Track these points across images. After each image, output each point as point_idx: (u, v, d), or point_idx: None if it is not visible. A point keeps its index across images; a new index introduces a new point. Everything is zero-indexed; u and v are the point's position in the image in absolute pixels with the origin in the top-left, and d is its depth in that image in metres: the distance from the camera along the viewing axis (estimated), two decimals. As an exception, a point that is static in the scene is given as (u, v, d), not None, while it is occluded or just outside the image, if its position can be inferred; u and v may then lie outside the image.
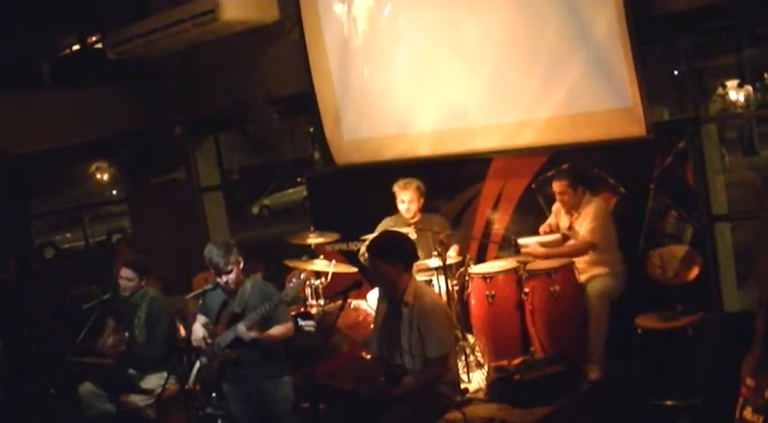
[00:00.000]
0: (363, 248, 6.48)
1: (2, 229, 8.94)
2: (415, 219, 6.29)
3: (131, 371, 5.55)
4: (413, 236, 5.76)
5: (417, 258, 4.99)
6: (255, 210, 23.24)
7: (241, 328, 4.74)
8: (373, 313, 6.17)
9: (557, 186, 5.87)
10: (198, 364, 5.16)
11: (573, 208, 5.86)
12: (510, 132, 6.43)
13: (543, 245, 5.87)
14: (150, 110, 9.33)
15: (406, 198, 6.29)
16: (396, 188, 6.34)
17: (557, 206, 6.06)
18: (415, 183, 6.32)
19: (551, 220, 6.11)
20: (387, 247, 4.68)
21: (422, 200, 6.32)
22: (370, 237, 6.40)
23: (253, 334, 4.76)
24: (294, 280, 5.09)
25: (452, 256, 6.04)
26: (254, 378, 4.92)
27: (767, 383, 3.54)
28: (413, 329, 4.48)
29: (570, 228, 5.86)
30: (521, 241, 5.88)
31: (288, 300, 4.90)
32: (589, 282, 5.72)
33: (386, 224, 6.39)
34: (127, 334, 5.57)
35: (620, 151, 6.01)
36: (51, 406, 6.23)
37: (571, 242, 5.83)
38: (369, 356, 5.38)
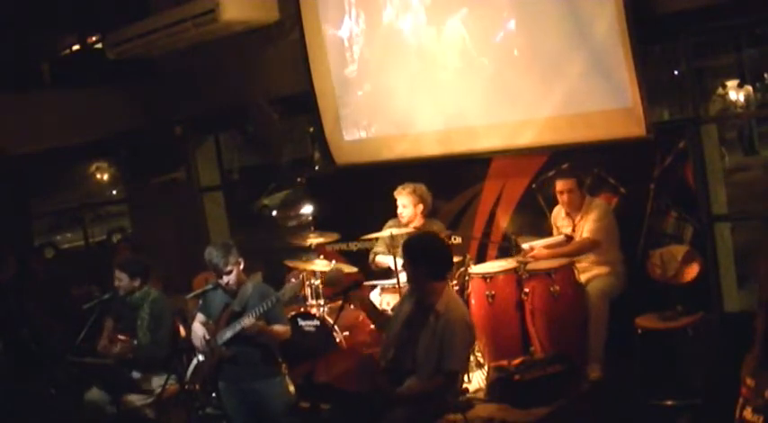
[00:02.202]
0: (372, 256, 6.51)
1: (2, 229, 8.94)
2: (415, 223, 6.27)
3: (135, 374, 5.51)
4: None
5: (451, 268, 4.78)
6: (255, 209, 23.20)
7: (248, 319, 4.75)
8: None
9: (562, 185, 5.84)
10: (195, 362, 5.17)
11: (576, 209, 5.86)
12: (510, 132, 6.43)
13: (547, 247, 5.87)
14: (150, 110, 9.33)
15: (400, 203, 6.29)
16: (395, 193, 6.34)
17: (556, 210, 6.05)
18: (408, 188, 6.26)
19: (554, 232, 6.08)
20: (414, 248, 4.52)
21: (420, 205, 6.26)
22: (372, 236, 6.43)
23: (260, 323, 4.76)
24: (293, 280, 5.07)
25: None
26: (248, 377, 4.93)
27: (767, 383, 3.54)
28: (434, 339, 4.37)
29: (573, 231, 5.86)
30: (524, 245, 5.87)
31: (285, 299, 4.90)
32: (590, 281, 5.73)
33: (389, 226, 6.39)
34: (135, 341, 5.55)
35: (620, 151, 6.01)
36: (51, 406, 6.23)
37: (576, 240, 5.84)
38: (368, 353, 5.37)
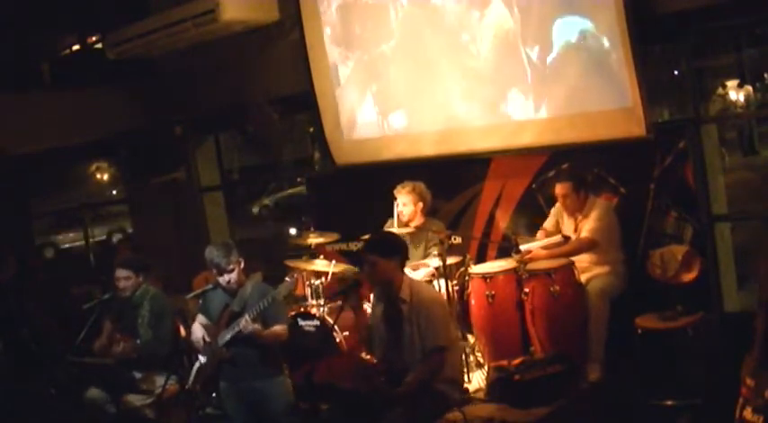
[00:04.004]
0: None
1: (2, 229, 8.93)
2: (414, 222, 6.27)
3: (136, 374, 5.50)
4: (406, 238, 5.80)
5: (408, 257, 5.06)
6: (255, 210, 23.19)
7: (245, 320, 4.74)
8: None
9: (560, 188, 5.86)
10: (197, 364, 5.17)
11: (577, 210, 5.86)
12: (510, 132, 6.43)
13: (545, 248, 5.88)
14: (150, 110, 9.32)
15: (400, 202, 6.30)
16: (394, 192, 6.34)
17: (557, 208, 6.05)
18: (408, 186, 6.29)
19: (550, 221, 6.09)
20: (382, 242, 4.77)
21: (420, 204, 6.28)
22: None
23: (256, 325, 4.76)
24: (287, 279, 5.06)
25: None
26: (249, 377, 4.93)
27: (767, 383, 3.55)
28: (413, 324, 4.52)
29: (576, 231, 5.86)
30: (522, 247, 5.87)
31: (280, 298, 4.89)
32: (590, 281, 5.73)
33: (389, 226, 6.40)
34: (138, 341, 5.54)
35: (620, 151, 6.01)
36: (51, 406, 6.22)
37: (573, 239, 5.84)
38: (368, 357, 5.38)
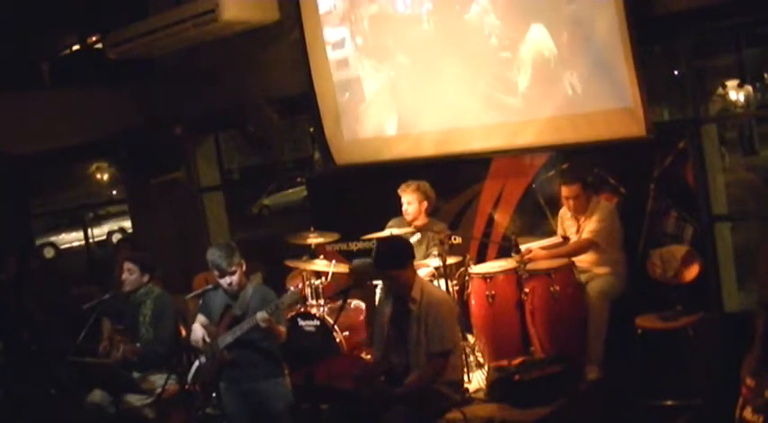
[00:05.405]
0: None
1: (2, 229, 8.94)
2: (418, 222, 6.27)
3: (135, 374, 5.50)
4: (413, 238, 5.79)
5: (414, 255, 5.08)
6: (255, 210, 23.21)
7: (261, 314, 4.72)
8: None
9: (567, 191, 5.82)
10: (196, 364, 5.17)
11: (581, 212, 5.84)
12: (510, 132, 6.43)
13: (544, 248, 5.88)
14: (150, 110, 9.33)
15: (405, 201, 6.29)
16: (399, 191, 6.34)
17: (562, 212, 6.04)
18: (413, 185, 6.28)
19: (559, 230, 6.08)
20: (394, 255, 4.73)
21: (425, 203, 6.27)
22: (372, 236, 6.42)
23: (272, 319, 4.75)
24: (291, 288, 5.08)
25: None
26: (250, 378, 4.93)
27: (767, 383, 3.55)
28: (421, 324, 4.52)
29: (578, 232, 5.85)
30: (522, 247, 5.87)
31: (283, 308, 4.91)
32: (590, 281, 5.73)
33: (390, 225, 6.39)
34: (138, 345, 5.53)
35: (620, 151, 6.01)
36: (51, 406, 6.23)
37: (573, 240, 5.84)
38: (369, 357, 5.39)
